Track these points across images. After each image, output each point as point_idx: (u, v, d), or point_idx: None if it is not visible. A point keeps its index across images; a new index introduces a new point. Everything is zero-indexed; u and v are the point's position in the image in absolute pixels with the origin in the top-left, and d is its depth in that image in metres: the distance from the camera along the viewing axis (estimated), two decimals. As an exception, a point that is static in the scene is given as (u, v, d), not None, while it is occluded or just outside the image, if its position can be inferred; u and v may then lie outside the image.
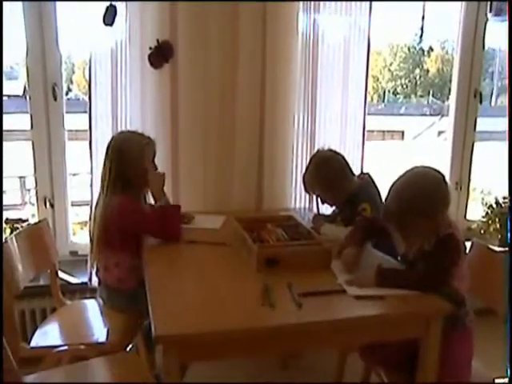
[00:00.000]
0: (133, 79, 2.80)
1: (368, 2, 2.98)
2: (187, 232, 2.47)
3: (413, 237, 1.95)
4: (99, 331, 2.29)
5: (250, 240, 2.09)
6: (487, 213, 3.54)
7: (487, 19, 3.27)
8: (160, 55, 2.77)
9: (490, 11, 3.20)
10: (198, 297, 1.80)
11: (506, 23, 3.38)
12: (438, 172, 1.91)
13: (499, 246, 3.35)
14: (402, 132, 15.51)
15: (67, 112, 2.99)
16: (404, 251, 2.02)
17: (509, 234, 3.30)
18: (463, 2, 3.33)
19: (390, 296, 1.78)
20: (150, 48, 2.75)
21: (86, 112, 2.81)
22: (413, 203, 1.84)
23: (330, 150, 2.62)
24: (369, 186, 2.54)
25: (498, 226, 3.47)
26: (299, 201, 3.14)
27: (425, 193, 1.86)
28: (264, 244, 2.11)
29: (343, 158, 2.56)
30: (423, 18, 3.33)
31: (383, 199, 2.06)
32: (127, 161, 2.33)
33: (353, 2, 2.97)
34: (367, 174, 2.64)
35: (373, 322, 1.74)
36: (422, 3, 3.06)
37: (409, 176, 1.92)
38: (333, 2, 2.95)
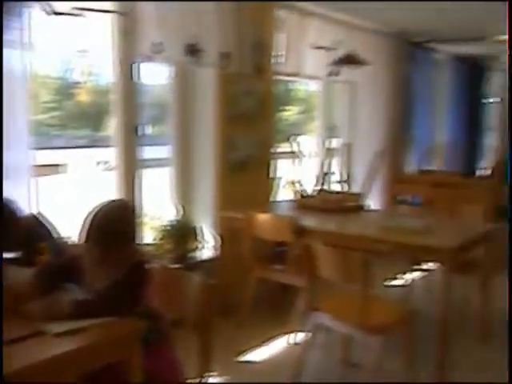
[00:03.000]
0: None
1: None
2: None
3: (115, 263, 2.03)
4: None
5: None
6: (160, 236, 3.84)
7: (137, 61, 3.56)
8: None
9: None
10: None
11: (154, 64, 3.75)
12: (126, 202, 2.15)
13: (173, 263, 3.67)
14: (63, 165, 15.26)
15: None
16: (100, 284, 2.05)
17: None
18: (115, 43, 3.51)
19: (91, 326, 1.82)
20: None
21: None
22: (116, 228, 1.98)
23: None
24: (37, 226, 2.56)
25: (169, 246, 3.80)
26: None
27: (123, 218, 2.04)
28: None
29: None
30: (78, 51, 3.39)
31: (60, 234, 2.05)
32: None
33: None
34: (33, 214, 2.65)
35: (78, 354, 1.75)
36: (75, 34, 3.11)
37: (102, 208, 2.03)
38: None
